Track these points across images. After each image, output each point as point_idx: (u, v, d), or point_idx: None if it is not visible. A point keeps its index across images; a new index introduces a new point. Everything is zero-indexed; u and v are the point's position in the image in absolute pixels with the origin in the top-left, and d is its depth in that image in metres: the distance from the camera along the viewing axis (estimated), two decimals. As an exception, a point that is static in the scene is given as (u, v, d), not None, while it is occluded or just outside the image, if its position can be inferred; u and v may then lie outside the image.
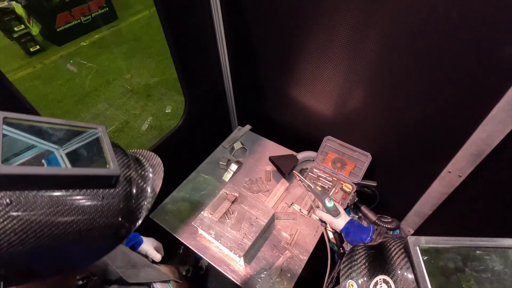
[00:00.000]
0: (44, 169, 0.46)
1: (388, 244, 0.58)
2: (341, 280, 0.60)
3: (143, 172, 0.65)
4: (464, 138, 0.97)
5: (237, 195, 1.24)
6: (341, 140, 1.37)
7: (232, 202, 1.22)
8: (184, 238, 1.22)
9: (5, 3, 3.87)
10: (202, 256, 1.16)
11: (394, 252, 0.55)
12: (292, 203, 1.31)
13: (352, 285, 0.57)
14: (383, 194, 1.37)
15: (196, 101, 1.47)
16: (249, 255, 1.15)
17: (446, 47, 0.84)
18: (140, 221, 0.60)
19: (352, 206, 1.37)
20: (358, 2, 0.91)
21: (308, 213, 1.27)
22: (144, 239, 1.13)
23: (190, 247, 1.19)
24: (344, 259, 0.64)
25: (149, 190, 0.63)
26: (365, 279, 0.55)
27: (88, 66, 4.00)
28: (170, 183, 1.41)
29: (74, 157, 0.51)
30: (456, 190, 1.12)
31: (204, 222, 1.16)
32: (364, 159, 1.31)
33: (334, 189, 1.33)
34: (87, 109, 3.37)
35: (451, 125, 1.00)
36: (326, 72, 1.18)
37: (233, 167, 1.42)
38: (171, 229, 1.24)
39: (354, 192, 1.30)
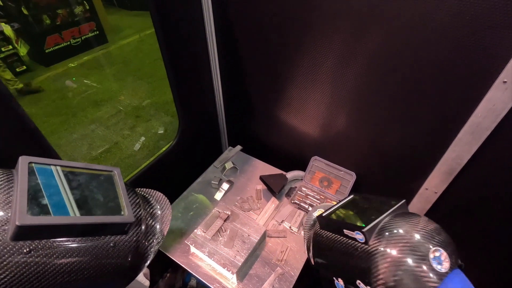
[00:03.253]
0: (62, 219, 0.47)
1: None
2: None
3: (151, 210, 0.67)
4: (437, 158, 1.08)
5: (229, 213, 1.27)
6: (327, 160, 1.45)
7: (225, 220, 1.25)
8: (176, 256, 1.23)
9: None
10: (195, 275, 1.17)
11: None
12: (283, 220, 1.36)
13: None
14: (367, 211, 1.45)
15: (190, 122, 1.54)
16: (241, 272, 1.17)
17: (420, 81, 0.96)
18: (149, 260, 0.62)
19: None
20: (340, 35, 1.03)
21: (298, 230, 1.32)
22: None
23: (183, 266, 1.20)
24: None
25: (158, 227, 0.65)
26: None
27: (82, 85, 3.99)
28: (162, 202, 1.42)
29: (93, 202, 0.53)
30: (434, 206, 1.21)
31: (197, 240, 1.18)
32: (349, 178, 1.40)
33: (322, 207, 1.39)
34: (73, 129, 3.34)
35: (426, 146, 1.10)
36: (312, 97, 1.28)
37: (225, 186, 1.47)
38: (163, 248, 1.25)
39: (340, 210, 1.37)
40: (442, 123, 1.01)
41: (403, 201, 0.72)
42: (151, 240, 0.62)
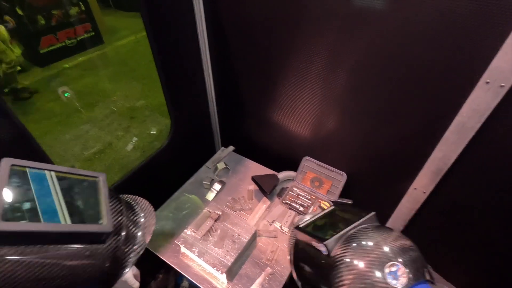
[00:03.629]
0: (37, 226, 0.46)
1: None
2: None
3: (134, 218, 0.66)
4: (425, 157, 1.09)
5: (220, 213, 1.28)
6: (318, 161, 1.46)
7: (215, 220, 1.26)
8: (166, 257, 1.23)
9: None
10: (185, 275, 1.17)
11: None
12: (274, 220, 1.36)
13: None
14: (358, 211, 1.46)
15: (182, 123, 1.54)
16: (231, 272, 1.17)
17: (406, 81, 0.97)
18: (128, 268, 0.60)
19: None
20: (327, 37, 1.04)
21: (289, 230, 1.32)
22: None
23: (173, 266, 1.19)
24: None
25: (139, 235, 0.64)
26: None
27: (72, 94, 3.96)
28: (153, 202, 1.41)
29: (71, 209, 0.51)
30: (422, 205, 1.22)
31: (187, 240, 1.18)
32: (340, 178, 1.41)
33: (313, 206, 1.40)
34: (67, 131, 3.32)
35: (414, 146, 1.12)
36: (302, 98, 1.30)
37: (217, 186, 1.47)
38: (153, 248, 1.25)
39: (331, 210, 1.38)
40: (429, 122, 1.02)
41: (372, 213, 0.73)
42: (131, 248, 0.61)
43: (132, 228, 0.63)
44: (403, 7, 0.84)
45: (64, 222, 0.49)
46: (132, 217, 0.66)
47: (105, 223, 0.53)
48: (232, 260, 1.12)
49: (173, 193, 1.49)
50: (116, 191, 1.28)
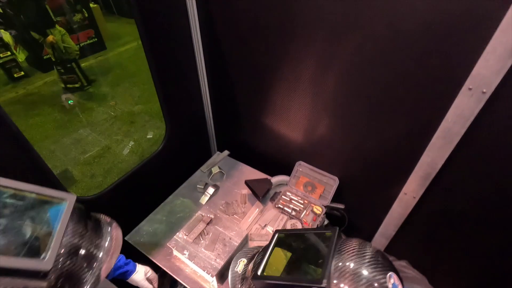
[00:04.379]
0: None
1: None
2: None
3: (98, 241, 0.61)
4: (413, 162, 1.10)
5: (212, 216, 1.29)
6: (311, 165, 1.47)
7: (207, 224, 1.27)
8: (158, 260, 1.24)
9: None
10: (176, 278, 1.18)
11: None
12: (266, 225, 1.37)
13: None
14: (351, 216, 1.46)
15: (177, 127, 1.56)
16: (222, 275, 1.17)
17: (393, 87, 0.99)
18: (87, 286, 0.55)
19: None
20: (317, 44, 1.07)
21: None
22: (138, 267, 1.09)
23: (164, 269, 1.20)
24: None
25: (100, 257, 0.59)
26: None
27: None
28: (147, 206, 1.44)
29: (10, 236, 0.45)
30: (413, 211, 1.23)
31: (179, 243, 1.20)
32: (332, 182, 1.42)
33: (305, 211, 1.41)
34: (68, 134, 3.36)
35: (402, 151, 1.13)
36: (295, 103, 1.32)
37: (210, 190, 1.48)
38: (146, 251, 1.26)
39: (323, 214, 1.38)
40: (416, 128, 1.03)
41: (336, 229, 0.69)
42: (89, 269, 0.57)
43: (93, 250, 0.59)
44: (389, 16, 0.86)
45: None
46: (96, 240, 0.61)
47: (46, 259, 0.46)
48: (222, 263, 1.13)
49: (167, 197, 1.51)
50: (109, 195, 1.30)
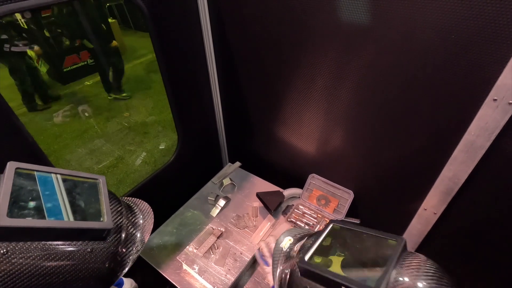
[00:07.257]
0: (42, 222, 0.49)
1: None
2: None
3: (134, 219, 0.69)
4: (433, 177, 1.05)
5: (223, 230, 1.26)
6: (325, 178, 1.43)
7: (218, 237, 1.24)
8: (168, 273, 1.21)
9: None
10: (185, 293, 1.15)
11: None
12: (278, 239, 1.33)
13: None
14: (367, 232, 1.40)
15: (189, 139, 1.56)
16: (232, 292, 1.14)
17: (411, 98, 0.96)
18: (127, 267, 0.62)
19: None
20: (332, 55, 1.05)
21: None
22: (125, 280, 1.09)
23: (173, 283, 1.18)
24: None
25: (138, 235, 0.67)
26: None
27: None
28: (158, 217, 1.42)
29: (73, 208, 0.55)
30: (434, 227, 1.16)
31: (189, 257, 1.17)
32: (347, 196, 1.37)
33: (318, 225, 1.36)
34: (83, 144, 3.44)
35: (421, 164, 1.08)
36: (307, 115, 1.29)
37: (221, 202, 1.46)
38: (155, 264, 1.24)
39: (338, 229, 1.33)
40: (436, 141, 0.99)
41: (403, 240, 0.60)
42: (130, 248, 0.63)
43: (131, 229, 0.66)
44: (406, 25, 0.84)
45: (67, 219, 0.52)
46: (132, 218, 0.68)
47: (106, 221, 0.57)
48: (233, 279, 1.09)
49: (178, 208, 1.49)
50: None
